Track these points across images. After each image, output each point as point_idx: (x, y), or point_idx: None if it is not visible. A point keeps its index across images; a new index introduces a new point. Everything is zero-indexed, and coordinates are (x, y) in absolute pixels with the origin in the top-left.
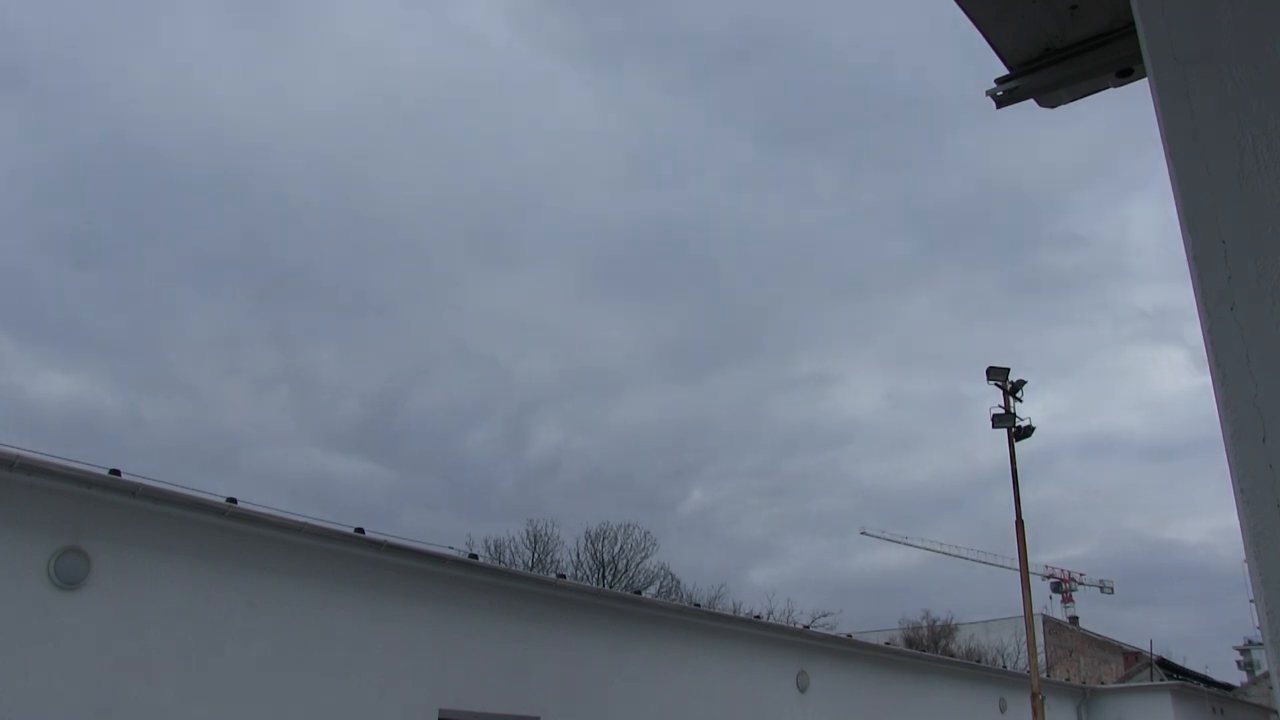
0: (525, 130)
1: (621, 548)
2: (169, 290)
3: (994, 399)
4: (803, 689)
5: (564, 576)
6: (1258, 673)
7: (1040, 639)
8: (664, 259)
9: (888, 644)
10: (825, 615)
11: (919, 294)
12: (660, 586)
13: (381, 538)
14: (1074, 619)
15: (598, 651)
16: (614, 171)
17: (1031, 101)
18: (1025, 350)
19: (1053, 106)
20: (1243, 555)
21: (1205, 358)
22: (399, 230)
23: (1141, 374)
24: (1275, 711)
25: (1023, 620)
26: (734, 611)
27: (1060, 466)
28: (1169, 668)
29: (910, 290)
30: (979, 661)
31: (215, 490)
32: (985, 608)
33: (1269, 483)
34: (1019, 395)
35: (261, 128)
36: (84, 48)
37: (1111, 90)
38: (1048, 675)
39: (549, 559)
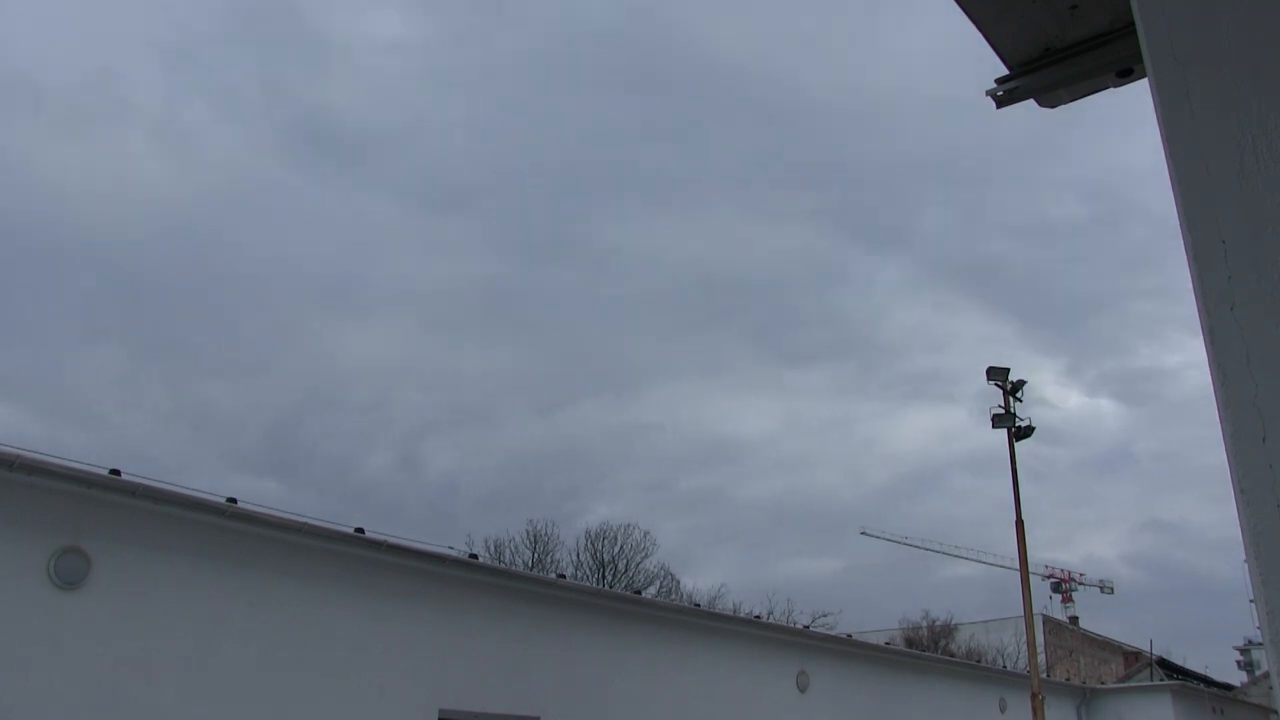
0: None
1: (621, 548)
2: (59, 337)
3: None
4: (803, 689)
5: (564, 576)
6: (1258, 673)
7: (1040, 639)
8: (510, 302)
9: (888, 644)
10: (825, 615)
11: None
12: (660, 586)
13: (381, 538)
14: (1074, 619)
15: (598, 651)
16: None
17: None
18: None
19: (1053, 106)
20: (1243, 555)
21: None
22: (260, 287)
23: None
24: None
25: (1023, 620)
26: (734, 611)
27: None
28: (1169, 668)
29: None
30: (979, 661)
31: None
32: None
33: (1269, 483)
34: (1019, 395)
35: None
36: None
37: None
38: (1048, 675)
39: (549, 559)
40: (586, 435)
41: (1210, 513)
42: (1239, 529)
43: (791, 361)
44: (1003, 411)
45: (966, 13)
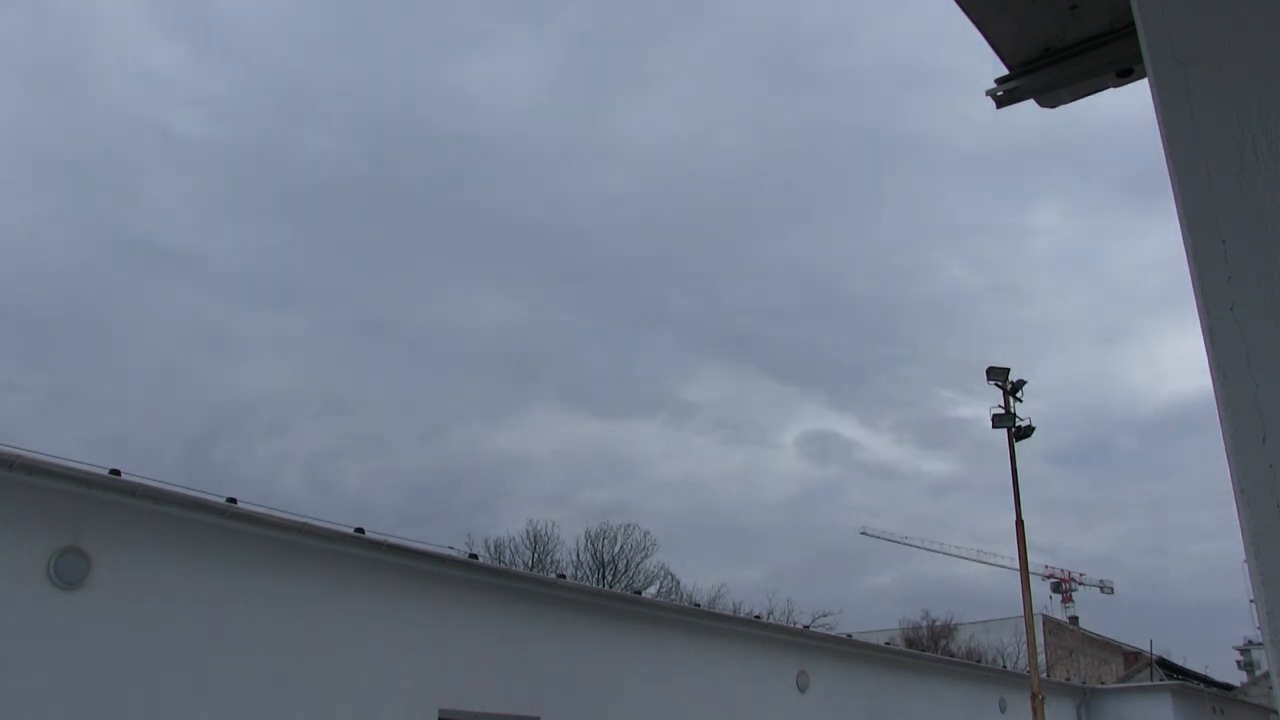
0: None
1: (621, 548)
2: None
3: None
4: (803, 689)
5: (564, 576)
6: (1258, 673)
7: (1040, 639)
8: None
9: (888, 644)
10: (825, 615)
11: None
12: (660, 586)
13: (381, 538)
14: (1074, 619)
15: (598, 651)
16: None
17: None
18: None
19: (1053, 106)
20: (1243, 555)
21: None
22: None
23: None
24: (1275, 711)
25: (1023, 620)
26: (734, 611)
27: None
28: (1169, 668)
29: None
30: (979, 661)
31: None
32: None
33: (1269, 483)
34: (1019, 395)
35: None
36: None
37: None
38: (1048, 675)
39: (549, 559)
40: (471, 457)
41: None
42: (1239, 529)
43: (616, 414)
44: (1003, 411)
45: (966, 13)
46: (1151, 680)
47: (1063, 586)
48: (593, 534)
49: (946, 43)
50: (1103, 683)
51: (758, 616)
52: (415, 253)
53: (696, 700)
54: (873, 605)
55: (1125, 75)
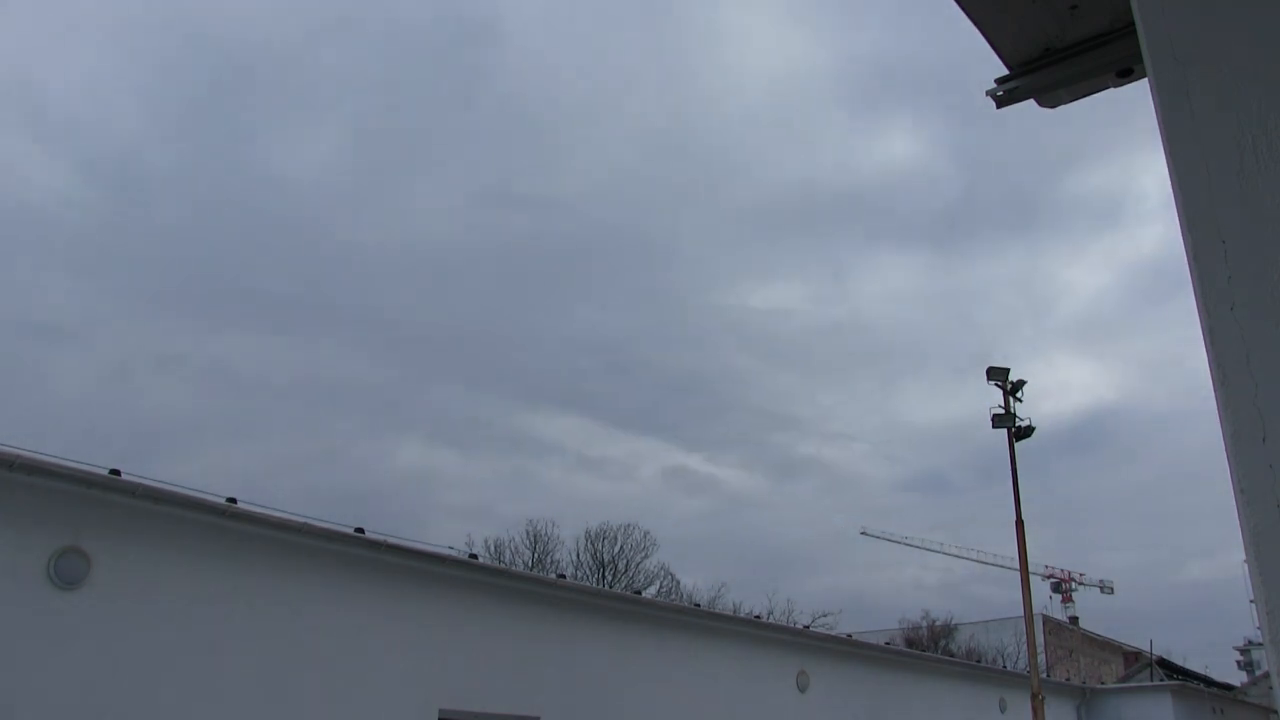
0: None
1: (621, 548)
2: None
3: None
4: (803, 689)
5: (564, 576)
6: (1258, 673)
7: (1040, 639)
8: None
9: (888, 644)
10: (825, 615)
11: None
12: (660, 586)
13: (381, 538)
14: (1074, 619)
15: (598, 651)
16: None
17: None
18: None
19: (1053, 106)
20: (1243, 555)
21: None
22: None
23: None
24: (1275, 711)
25: (1023, 620)
26: (734, 611)
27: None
28: (1169, 668)
29: None
30: (979, 661)
31: None
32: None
33: (1269, 483)
34: (1019, 395)
35: None
36: None
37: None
38: (1048, 675)
39: (549, 559)
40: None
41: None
42: (1239, 529)
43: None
44: (1003, 411)
45: (966, 13)
46: (1151, 680)
47: (1063, 586)
48: (593, 534)
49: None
50: (1103, 683)
51: (758, 616)
52: (288, 331)
53: (696, 700)
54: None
55: (1125, 75)
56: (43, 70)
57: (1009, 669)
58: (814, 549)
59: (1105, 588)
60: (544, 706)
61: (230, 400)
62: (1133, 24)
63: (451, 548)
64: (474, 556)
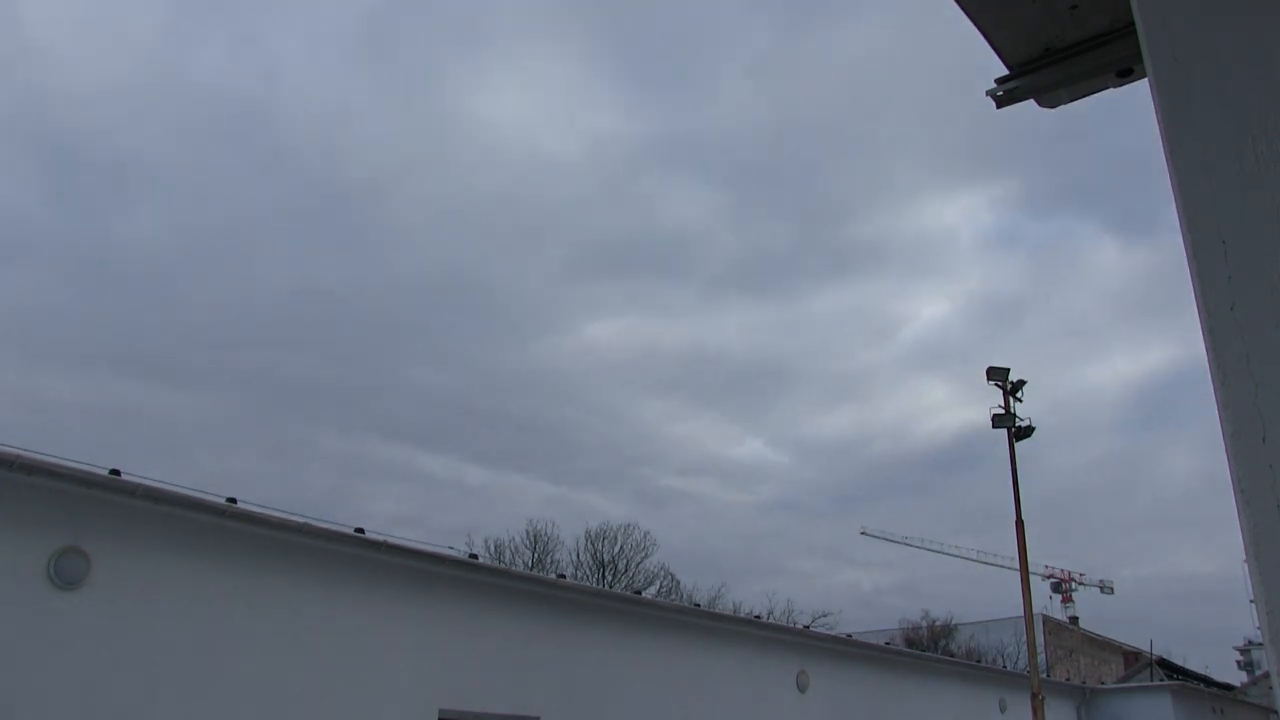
0: None
1: (621, 548)
2: None
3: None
4: (803, 689)
5: (564, 576)
6: (1258, 673)
7: (1040, 639)
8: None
9: (888, 644)
10: (825, 615)
11: None
12: (660, 586)
13: (381, 538)
14: (1074, 619)
15: (598, 651)
16: None
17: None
18: None
19: (1053, 106)
20: (1243, 555)
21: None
22: None
23: None
24: (1275, 711)
25: (1023, 620)
26: (734, 611)
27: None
28: (1169, 668)
29: None
30: (979, 661)
31: None
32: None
33: (1269, 483)
34: (1019, 395)
35: None
36: None
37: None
38: (1048, 675)
39: (549, 559)
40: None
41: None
42: (1239, 529)
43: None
44: (1003, 411)
45: (966, 13)
46: (1151, 680)
47: (1063, 586)
48: (593, 534)
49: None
50: (1103, 683)
51: (758, 616)
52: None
53: (696, 700)
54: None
55: (1125, 75)
56: None
57: (1009, 669)
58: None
59: (1105, 588)
60: (544, 706)
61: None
62: (1133, 24)
63: (451, 548)
64: (474, 556)
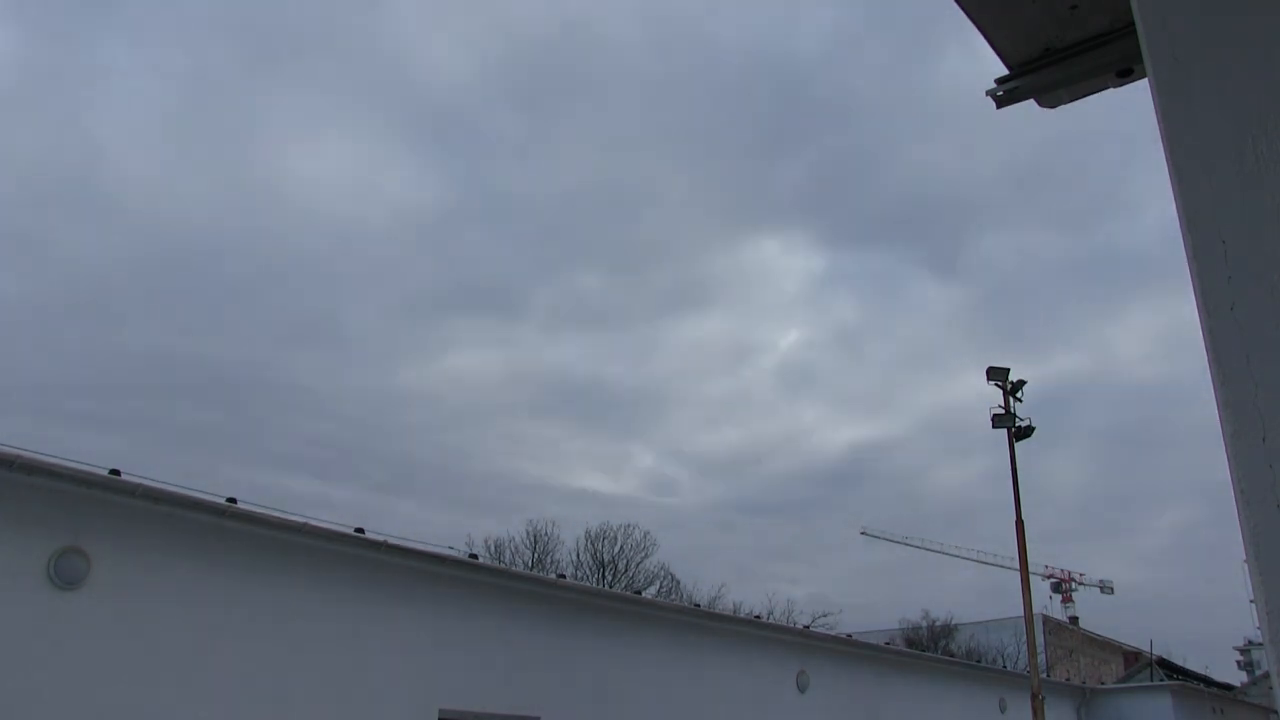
0: None
1: (621, 548)
2: None
3: None
4: (803, 689)
5: (564, 576)
6: (1258, 673)
7: (1040, 639)
8: None
9: (888, 644)
10: (825, 615)
11: None
12: (660, 586)
13: (381, 538)
14: (1074, 619)
15: (598, 652)
16: None
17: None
18: None
19: (1053, 106)
20: (1243, 555)
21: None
22: None
23: None
24: (1275, 711)
25: (1023, 620)
26: (734, 611)
27: None
28: (1169, 668)
29: None
30: (979, 661)
31: None
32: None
33: (1269, 483)
34: (1019, 395)
35: None
36: None
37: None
38: (1048, 675)
39: (549, 559)
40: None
41: None
42: (1239, 529)
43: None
44: (1003, 411)
45: (966, 13)
46: (1151, 680)
47: (1063, 586)
48: (593, 534)
49: None
50: (1103, 683)
51: (758, 616)
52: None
53: (696, 700)
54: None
55: (1125, 75)
56: None
57: (1009, 669)
58: None
59: (1105, 588)
60: (544, 706)
61: None
62: (1133, 24)
63: (451, 548)
64: (474, 556)
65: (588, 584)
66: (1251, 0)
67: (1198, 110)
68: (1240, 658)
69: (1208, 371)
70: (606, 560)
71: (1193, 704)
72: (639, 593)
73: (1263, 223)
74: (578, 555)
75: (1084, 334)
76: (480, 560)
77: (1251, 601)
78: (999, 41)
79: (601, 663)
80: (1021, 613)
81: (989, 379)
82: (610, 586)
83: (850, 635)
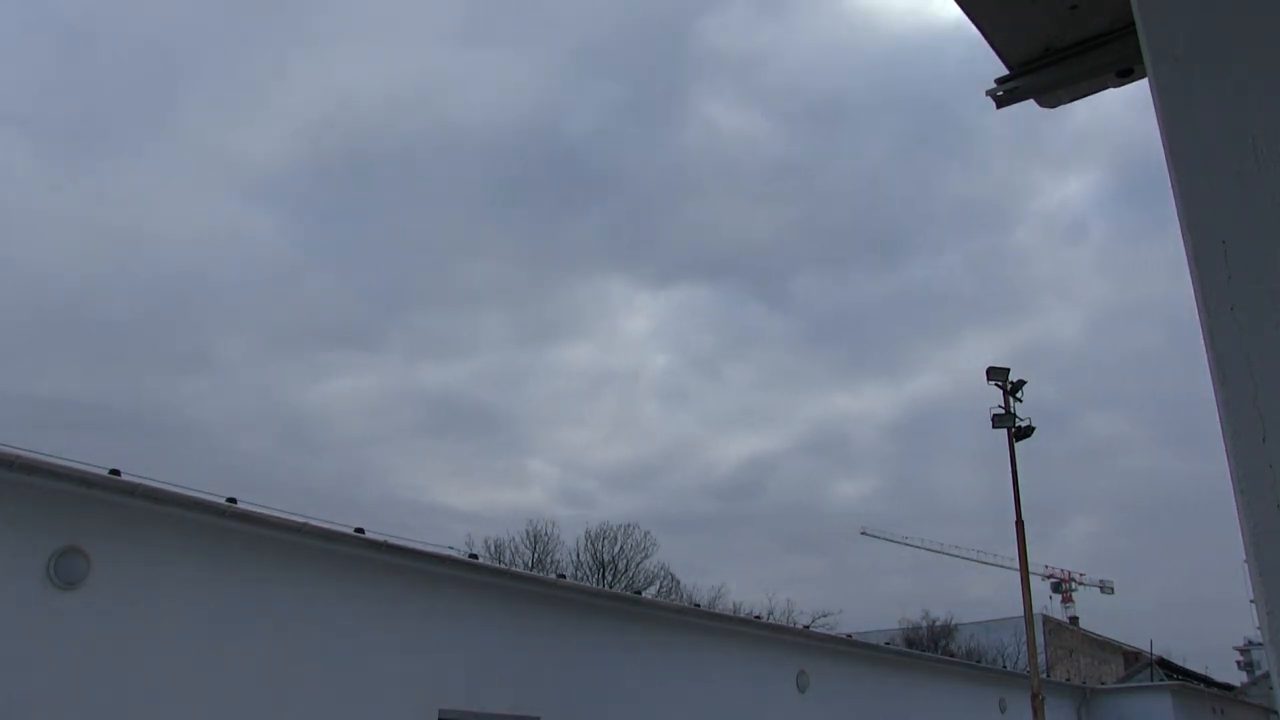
0: None
1: (621, 548)
2: None
3: None
4: (803, 689)
5: (564, 576)
6: (1258, 673)
7: (1040, 639)
8: None
9: (888, 644)
10: (825, 615)
11: None
12: (660, 586)
13: (381, 538)
14: (1074, 619)
15: (598, 651)
16: None
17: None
18: None
19: (1053, 106)
20: (1243, 555)
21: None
22: None
23: None
24: (1275, 711)
25: (1023, 620)
26: (734, 611)
27: None
28: (1169, 668)
29: None
30: (979, 661)
31: None
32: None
33: (1269, 482)
34: (1019, 395)
35: None
36: None
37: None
38: (1048, 675)
39: (549, 559)
40: None
41: None
42: (1239, 529)
43: None
44: (1003, 411)
45: (966, 12)
46: (1151, 680)
47: (1063, 586)
48: (593, 534)
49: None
50: (1103, 683)
51: (758, 616)
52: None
53: (696, 700)
54: None
55: (1125, 75)
56: None
57: (1009, 669)
58: None
59: (1105, 588)
60: (544, 706)
61: None
62: (1133, 24)
63: (451, 548)
64: (474, 556)
65: (588, 584)
66: (1251, 0)
67: (1198, 110)
68: (1240, 658)
69: (1208, 371)
70: (606, 560)
71: (1193, 704)
72: (639, 593)
73: (1263, 223)
74: (578, 555)
75: (931, 359)
76: (480, 560)
77: (1251, 601)
78: (999, 41)
79: (601, 663)
80: (1021, 613)
81: (989, 379)
82: (610, 586)
83: (850, 635)
